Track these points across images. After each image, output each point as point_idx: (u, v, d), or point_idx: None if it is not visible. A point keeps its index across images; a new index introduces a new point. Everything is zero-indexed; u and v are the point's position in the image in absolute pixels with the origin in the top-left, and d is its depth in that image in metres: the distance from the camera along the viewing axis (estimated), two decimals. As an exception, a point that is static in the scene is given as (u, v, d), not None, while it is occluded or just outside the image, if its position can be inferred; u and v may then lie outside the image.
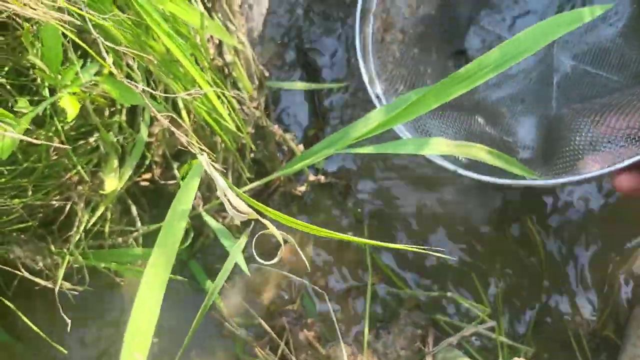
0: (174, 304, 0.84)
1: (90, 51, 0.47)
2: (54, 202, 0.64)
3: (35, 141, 0.35)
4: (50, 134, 0.59)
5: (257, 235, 0.92)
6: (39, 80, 0.52)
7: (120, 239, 0.70)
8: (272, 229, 0.38)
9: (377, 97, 0.69)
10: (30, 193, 0.63)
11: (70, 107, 0.42)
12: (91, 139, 0.59)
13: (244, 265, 0.58)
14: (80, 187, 0.64)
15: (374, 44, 0.71)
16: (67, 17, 0.35)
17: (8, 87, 0.53)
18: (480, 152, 0.54)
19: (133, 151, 0.55)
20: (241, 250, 0.48)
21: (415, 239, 0.86)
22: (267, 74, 0.71)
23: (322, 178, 0.83)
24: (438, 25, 0.79)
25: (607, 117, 0.64)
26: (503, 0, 0.84)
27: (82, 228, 0.63)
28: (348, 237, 0.45)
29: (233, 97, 0.67)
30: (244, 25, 0.67)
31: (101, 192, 0.55)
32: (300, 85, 0.81)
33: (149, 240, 0.76)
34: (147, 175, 0.77)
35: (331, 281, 0.87)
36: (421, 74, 0.77)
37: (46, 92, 0.55)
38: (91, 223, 0.60)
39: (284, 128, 0.86)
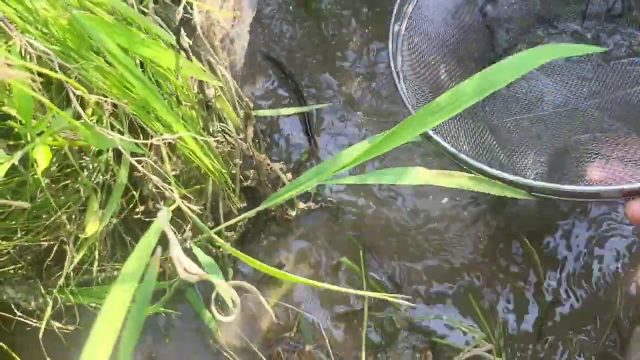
0: (171, 334, 0.85)
1: (73, 97, 0.48)
2: (43, 242, 0.64)
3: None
4: (37, 175, 0.60)
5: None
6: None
7: (113, 273, 0.70)
8: (223, 287, 0.38)
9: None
10: (20, 234, 0.64)
11: (42, 158, 0.42)
12: (76, 181, 0.60)
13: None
14: (69, 226, 0.64)
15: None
16: (35, 77, 0.36)
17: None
18: (463, 180, 0.53)
19: (112, 195, 0.55)
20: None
21: (412, 261, 0.85)
22: (251, 105, 0.72)
23: (312, 205, 0.83)
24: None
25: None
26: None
27: (71, 267, 0.63)
28: (320, 284, 0.45)
29: (219, 130, 0.68)
30: (226, 59, 0.67)
31: (82, 235, 0.56)
32: (284, 111, 0.81)
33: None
34: (141, 208, 0.78)
35: (327, 306, 0.86)
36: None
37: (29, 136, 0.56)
38: (75, 262, 0.61)
39: (272, 157, 0.87)
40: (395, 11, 0.68)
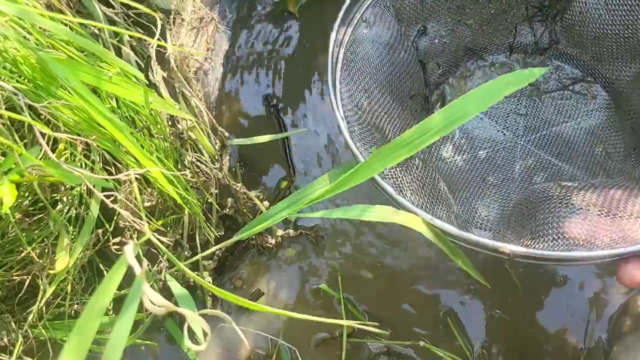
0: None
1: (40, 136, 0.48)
2: (15, 277, 0.64)
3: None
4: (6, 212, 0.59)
5: (233, 280, 0.90)
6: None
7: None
8: (192, 317, 0.38)
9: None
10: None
11: (8, 195, 0.42)
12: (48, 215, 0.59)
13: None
14: (40, 261, 0.64)
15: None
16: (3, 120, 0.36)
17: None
18: (420, 225, 0.54)
19: (83, 230, 0.55)
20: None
21: (391, 292, 0.86)
22: (226, 134, 0.72)
23: (291, 232, 0.83)
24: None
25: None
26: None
27: (43, 301, 0.62)
28: (297, 315, 0.45)
29: (193, 161, 0.68)
30: (201, 90, 0.68)
31: (51, 271, 0.56)
32: (261, 139, 0.81)
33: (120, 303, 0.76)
34: (116, 240, 0.78)
35: (306, 332, 0.86)
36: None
37: None
38: (48, 296, 0.60)
39: (249, 185, 0.87)
40: (330, 51, 0.63)
